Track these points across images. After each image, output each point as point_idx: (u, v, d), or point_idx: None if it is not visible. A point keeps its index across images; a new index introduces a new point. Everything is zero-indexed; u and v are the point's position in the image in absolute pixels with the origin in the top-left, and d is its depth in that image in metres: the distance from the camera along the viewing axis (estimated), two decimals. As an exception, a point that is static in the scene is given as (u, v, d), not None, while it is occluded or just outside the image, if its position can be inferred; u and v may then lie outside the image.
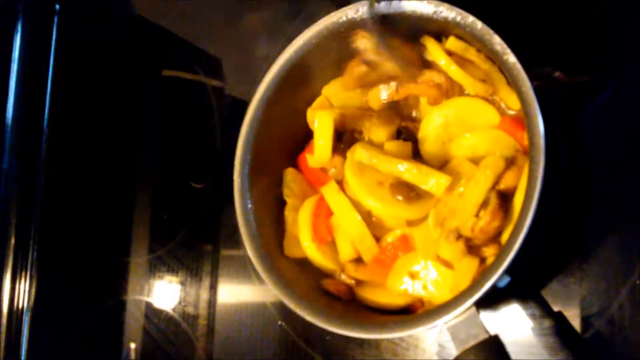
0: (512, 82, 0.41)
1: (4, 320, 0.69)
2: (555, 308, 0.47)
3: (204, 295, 0.66)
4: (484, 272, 0.43)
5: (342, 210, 0.50)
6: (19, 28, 0.73)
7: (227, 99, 0.70)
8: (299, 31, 0.49)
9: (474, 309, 0.39)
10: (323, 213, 0.52)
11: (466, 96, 0.48)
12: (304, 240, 0.52)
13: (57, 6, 0.75)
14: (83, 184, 0.73)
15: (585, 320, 0.45)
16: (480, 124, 0.48)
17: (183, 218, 0.70)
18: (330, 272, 0.52)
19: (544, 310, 0.48)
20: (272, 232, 0.52)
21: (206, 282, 0.66)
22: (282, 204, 0.54)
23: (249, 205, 0.51)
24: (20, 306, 0.70)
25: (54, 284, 0.71)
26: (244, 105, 0.67)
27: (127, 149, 0.73)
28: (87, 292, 0.71)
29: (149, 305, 0.69)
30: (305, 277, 0.51)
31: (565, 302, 0.47)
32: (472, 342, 0.38)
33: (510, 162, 0.44)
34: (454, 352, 0.39)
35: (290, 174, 0.55)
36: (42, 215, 0.72)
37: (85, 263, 0.71)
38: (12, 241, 0.71)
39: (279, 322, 0.60)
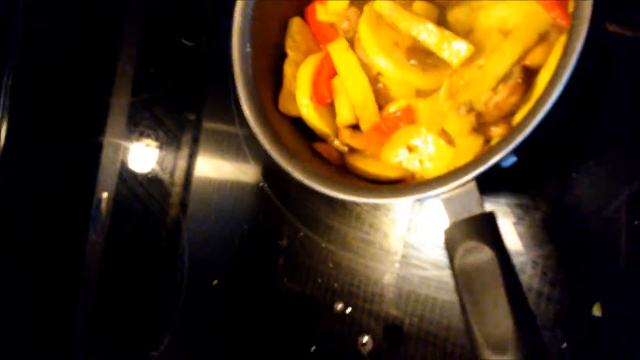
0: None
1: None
2: (552, 198, 0.46)
3: (182, 160, 0.64)
4: (490, 150, 0.40)
5: (348, 69, 0.46)
6: None
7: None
8: None
9: (474, 184, 0.37)
10: (326, 72, 0.48)
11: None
12: (300, 98, 0.48)
13: None
14: (68, 19, 0.67)
15: (579, 216, 0.44)
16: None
17: (169, 74, 0.66)
18: (324, 136, 0.49)
19: (536, 201, 0.46)
20: (268, 84, 0.48)
21: (185, 151, 0.64)
22: (283, 56, 0.50)
23: (248, 49, 0.46)
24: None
25: (30, 115, 0.67)
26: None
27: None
28: (64, 130, 0.67)
29: (123, 162, 0.67)
30: (296, 136, 0.48)
31: (563, 194, 0.45)
32: (466, 215, 0.36)
33: (541, 37, 0.40)
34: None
35: (296, 24, 0.50)
36: (20, 46, 0.66)
37: (64, 99, 0.67)
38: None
39: (261, 184, 0.58)
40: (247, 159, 0.60)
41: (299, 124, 0.49)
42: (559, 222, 0.44)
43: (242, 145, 0.60)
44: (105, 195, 0.69)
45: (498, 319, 0.33)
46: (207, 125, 0.63)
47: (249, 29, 0.46)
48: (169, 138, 0.65)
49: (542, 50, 0.40)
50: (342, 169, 0.48)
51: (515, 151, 0.36)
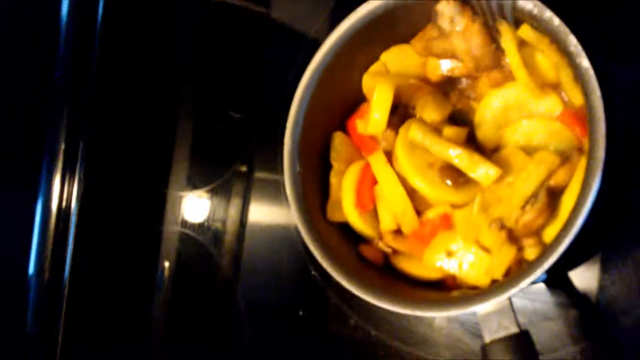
0: (582, 87, 0.40)
1: (54, 219, 0.73)
2: (585, 297, 0.49)
3: (234, 214, 0.68)
4: (522, 265, 0.45)
5: (387, 182, 0.51)
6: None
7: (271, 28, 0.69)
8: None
9: (508, 302, 0.41)
10: (368, 180, 0.53)
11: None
12: (346, 206, 0.53)
13: None
14: (130, 104, 0.73)
15: (613, 315, 0.47)
16: (541, 111, 0.47)
17: (223, 145, 0.71)
18: (369, 239, 0.54)
19: (571, 299, 0.49)
20: (316, 196, 0.54)
21: (237, 202, 0.68)
22: (328, 167, 0.55)
23: (297, 169, 0.52)
24: (67, 209, 0.73)
25: (100, 199, 0.73)
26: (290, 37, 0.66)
27: (169, 75, 0.73)
28: (128, 216, 0.74)
29: (182, 229, 0.72)
30: (343, 241, 0.53)
31: (595, 292, 0.48)
32: (502, 334, 0.40)
33: (564, 159, 0.44)
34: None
35: (338, 137, 0.55)
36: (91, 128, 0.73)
37: (128, 183, 0.73)
38: (63, 146, 0.73)
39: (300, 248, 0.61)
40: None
41: (345, 228, 0.54)
42: (593, 321, 0.47)
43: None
44: (167, 264, 0.75)
45: None
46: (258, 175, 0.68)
47: (297, 150, 0.52)
48: (222, 190, 0.70)
49: (566, 172, 0.44)
50: (386, 270, 0.53)
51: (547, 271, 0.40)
